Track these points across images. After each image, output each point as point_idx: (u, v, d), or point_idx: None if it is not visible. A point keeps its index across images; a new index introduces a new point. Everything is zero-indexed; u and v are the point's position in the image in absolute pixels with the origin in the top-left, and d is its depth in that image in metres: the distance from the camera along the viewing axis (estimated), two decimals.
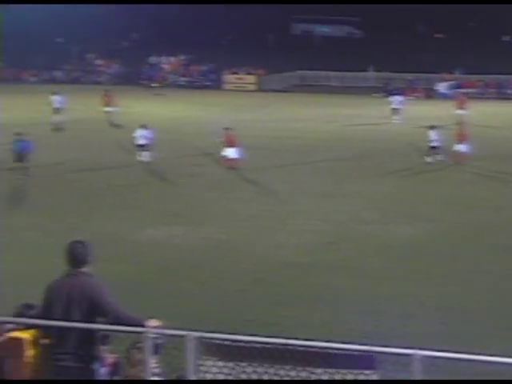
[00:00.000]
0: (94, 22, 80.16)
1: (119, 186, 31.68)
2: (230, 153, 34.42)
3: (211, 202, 29.18)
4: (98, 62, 77.21)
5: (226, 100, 63.17)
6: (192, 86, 71.81)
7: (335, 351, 7.46)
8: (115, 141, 41.18)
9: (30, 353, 8.02)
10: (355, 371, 7.41)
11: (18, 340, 8.12)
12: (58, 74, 74.58)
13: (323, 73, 71.53)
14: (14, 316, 8.52)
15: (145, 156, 35.77)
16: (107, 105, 48.59)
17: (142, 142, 36.03)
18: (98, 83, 69.82)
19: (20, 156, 31.74)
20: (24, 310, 8.58)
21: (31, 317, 8.27)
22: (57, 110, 46.73)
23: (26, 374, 8.05)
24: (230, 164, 34.37)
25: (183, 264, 22.18)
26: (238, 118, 47.88)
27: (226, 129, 35.39)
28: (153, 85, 67.23)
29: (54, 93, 48.07)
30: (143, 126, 36.52)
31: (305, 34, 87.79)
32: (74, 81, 72.61)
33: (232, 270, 21.61)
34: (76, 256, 8.18)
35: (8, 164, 31.95)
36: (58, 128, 45.22)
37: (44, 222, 26.16)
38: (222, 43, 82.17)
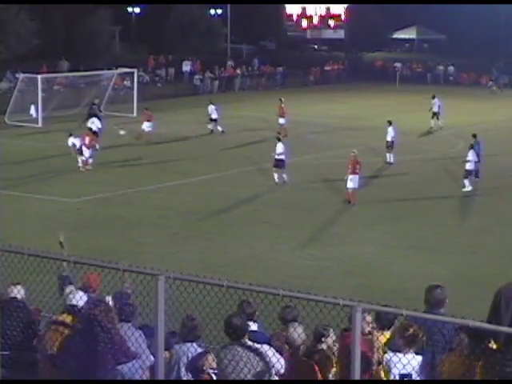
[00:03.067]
0: None
1: None
2: None
3: None
4: None
5: None
6: None
7: None
8: None
9: None
10: None
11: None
12: None
13: None
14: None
15: None
16: None
17: None
18: None
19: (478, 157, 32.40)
20: None
21: None
22: (434, 114, 46.29)
23: None
24: None
25: None
26: None
27: None
28: None
29: (434, 97, 47.14)
30: None
31: None
32: None
33: None
34: None
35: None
36: (429, 132, 45.20)
37: (494, 226, 26.19)
38: None
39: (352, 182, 28.95)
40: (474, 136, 33.17)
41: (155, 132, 40.89)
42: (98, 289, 11.43)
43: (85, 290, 11.04)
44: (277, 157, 31.61)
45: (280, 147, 31.74)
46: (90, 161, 34.23)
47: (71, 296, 10.02)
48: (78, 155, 35.00)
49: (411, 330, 8.20)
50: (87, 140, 34.47)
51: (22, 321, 9.65)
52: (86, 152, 34.23)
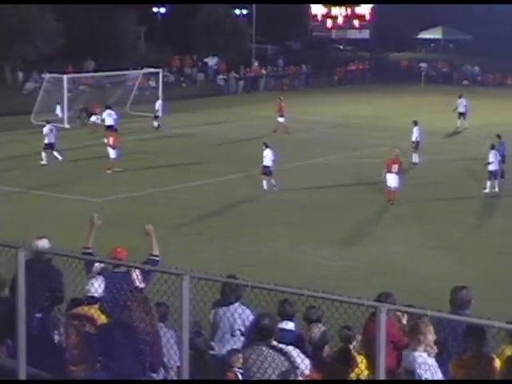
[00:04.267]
0: None
1: None
2: None
3: None
4: None
5: None
6: None
7: None
8: None
9: None
10: None
11: None
12: None
13: None
14: None
15: None
16: None
17: None
18: None
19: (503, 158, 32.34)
20: None
21: None
22: (460, 115, 46.14)
23: None
24: None
25: None
26: None
27: None
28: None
29: (460, 96, 47.08)
30: None
31: None
32: None
33: None
34: None
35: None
36: (455, 132, 45.00)
37: None
38: None
39: (388, 180, 28.97)
40: (499, 137, 32.93)
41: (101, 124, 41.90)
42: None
43: (113, 267, 10.92)
44: (264, 164, 30.66)
45: (268, 154, 30.77)
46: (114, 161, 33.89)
47: (89, 286, 9.86)
48: (43, 150, 35.03)
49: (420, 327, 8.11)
50: (111, 140, 33.93)
51: (49, 279, 9.55)
52: (112, 153, 33.92)
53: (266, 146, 31.18)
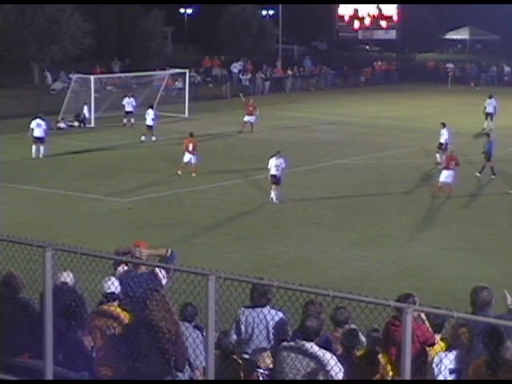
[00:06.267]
0: None
1: None
2: None
3: None
4: None
5: None
6: None
7: None
8: None
9: None
10: None
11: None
12: None
13: None
14: None
15: None
16: None
17: None
18: None
19: (487, 155, 33.17)
20: None
21: None
22: (487, 115, 45.79)
23: None
24: None
25: None
26: None
27: None
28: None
29: (490, 96, 46.65)
30: None
31: None
32: None
33: None
34: None
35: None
36: (482, 134, 44.66)
37: None
38: None
39: (444, 176, 29.83)
40: (488, 135, 33.62)
41: None
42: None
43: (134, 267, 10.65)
44: (271, 173, 29.12)
45: (272, 162, 29.23)
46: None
47: (109, 283, 9.77)
48: (34, 143, 35.70)
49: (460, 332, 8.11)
50: (191, 146, 32.65)
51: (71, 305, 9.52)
52: (192, 158, 32.60)
53: (279, 153, 29.70)
